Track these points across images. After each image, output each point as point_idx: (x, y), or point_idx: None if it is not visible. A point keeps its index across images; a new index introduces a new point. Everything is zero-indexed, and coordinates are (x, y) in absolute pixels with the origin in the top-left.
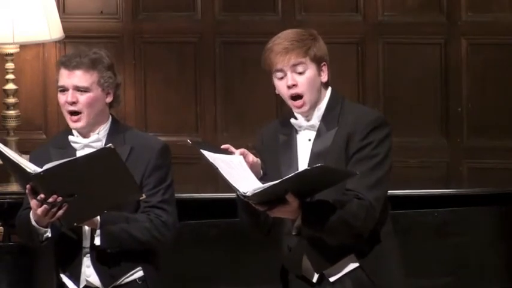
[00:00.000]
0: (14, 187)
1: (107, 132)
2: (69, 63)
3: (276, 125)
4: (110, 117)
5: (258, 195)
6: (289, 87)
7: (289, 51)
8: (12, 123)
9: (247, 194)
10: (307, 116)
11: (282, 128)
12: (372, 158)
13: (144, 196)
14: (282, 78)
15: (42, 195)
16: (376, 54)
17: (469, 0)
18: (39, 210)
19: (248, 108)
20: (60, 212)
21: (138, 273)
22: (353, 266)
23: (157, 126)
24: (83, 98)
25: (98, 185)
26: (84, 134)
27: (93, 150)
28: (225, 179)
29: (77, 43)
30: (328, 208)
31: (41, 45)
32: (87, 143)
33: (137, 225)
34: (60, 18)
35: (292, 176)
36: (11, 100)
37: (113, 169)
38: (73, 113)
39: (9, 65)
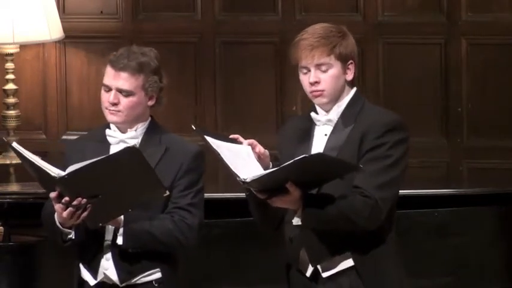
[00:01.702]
0: (14, 187)
1: (144, 131)
2: (116, 64)
3: (298, 119)
4: (150, 117)
5: (257, 182)
6: (311, 83)
7: (314, 48)
8: (12, 123)
9: (246, 180)
10: (327, 110)
11: (303, 121)
12: (384, 159)
13: (167, 193)
14: (306, 73)
15: (67, 198)
16: (376, 54)
17: (469, 0)
18: (65, 213)
19: (248, 108)
20: (85, 214)
21: (156, 275)
22: (348, 264)
23: None
24: (125, 101)
25: (122, 184)
26: (122, 129)
27: (127, 145)
28: (227, 165)
29: (77, 43)
30: (330, 201)
31: (41, 45)
32: (123, 138)
33: (160, 226)
34: (60, 18)
35: (291, 163)
36: (11, 100)
37: (136, 168)
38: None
39: (9, 65)
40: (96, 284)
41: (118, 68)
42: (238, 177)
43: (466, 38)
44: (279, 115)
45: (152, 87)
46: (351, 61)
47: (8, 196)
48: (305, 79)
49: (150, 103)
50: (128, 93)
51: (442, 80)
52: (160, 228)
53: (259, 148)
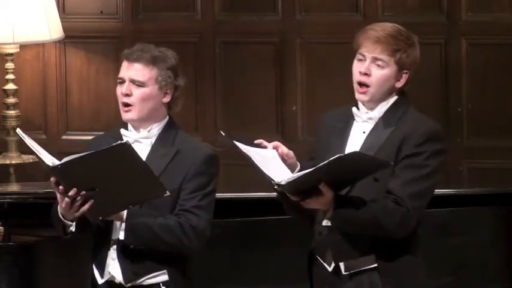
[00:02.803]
0: (14, 187)
1: (159, 131)
2: (130, 56)
3: (338, 112)
4: (167, 118)
5: (292, 184)
6: (361, 73)
7: (379, 42)
8: (12, 123)
9: (281, 183)
10: (370, 108)
11: (342, 115)
12: (421, 168)
13: (168, 193)
14: (360, 60)
15: (61, 187)
16: None
17: (469, 0)
18: (63, 204)
19: (248, 108)
20: (86, 207)
21: (163, 277)
22: (371, 265)
23: None
24: (137, 92)
25: (118, 179)
26: (137, 129)
27: (142, 145)
28: (260, 169)
29: (77, 43)
30: (361, 204)
31: (41, 45)
32: (136, 138)
33: (164, 225)
34: (60, 18)
35: (325, 164)
36: (11, 100)
37: (131, 165)
38: (126, 104)
39: (9, 65)
40: (104, 283)
41: (132, 59)
42: (273, 180)
43: (466, 38)
44: (279, 115)
45: (166, 82)
46: (406, 71)
47: (8, 196)
48: (357, 66)
49: (165, 100)
50: (140, 84)
51: (442, 80)
52: (164, 226)
53: (282, 149)
